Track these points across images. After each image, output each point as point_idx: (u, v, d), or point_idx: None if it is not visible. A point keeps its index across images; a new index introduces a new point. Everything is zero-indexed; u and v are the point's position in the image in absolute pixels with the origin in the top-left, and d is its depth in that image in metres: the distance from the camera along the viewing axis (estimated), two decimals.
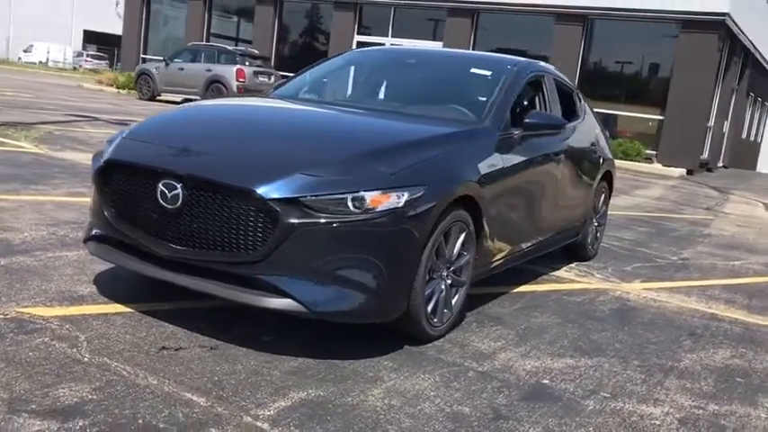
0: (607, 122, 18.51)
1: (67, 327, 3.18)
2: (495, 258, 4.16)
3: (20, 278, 3.72)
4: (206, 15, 25.27)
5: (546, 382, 3.22)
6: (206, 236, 3.11)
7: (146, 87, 21.00)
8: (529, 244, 4.65)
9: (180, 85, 20.00)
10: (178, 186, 3.11)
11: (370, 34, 21.79)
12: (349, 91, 4.99)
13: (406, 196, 3.14)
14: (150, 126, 3.75)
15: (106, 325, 3.26)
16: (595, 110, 6.04)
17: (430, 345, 3.49)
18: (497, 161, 3.93)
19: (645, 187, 13.11)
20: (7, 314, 3.23)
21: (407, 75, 4.89)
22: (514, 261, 4.49)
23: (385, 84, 4.83)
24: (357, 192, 3.04)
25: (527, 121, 4.22)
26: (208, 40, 24.64)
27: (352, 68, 5.11)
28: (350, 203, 3.03)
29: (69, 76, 36.11)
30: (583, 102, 5.79)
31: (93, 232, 3.55)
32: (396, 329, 3.43)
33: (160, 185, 3.15)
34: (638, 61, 18.89)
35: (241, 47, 22.96)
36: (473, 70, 4.70)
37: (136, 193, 3.29)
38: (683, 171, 16.89)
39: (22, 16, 54.54)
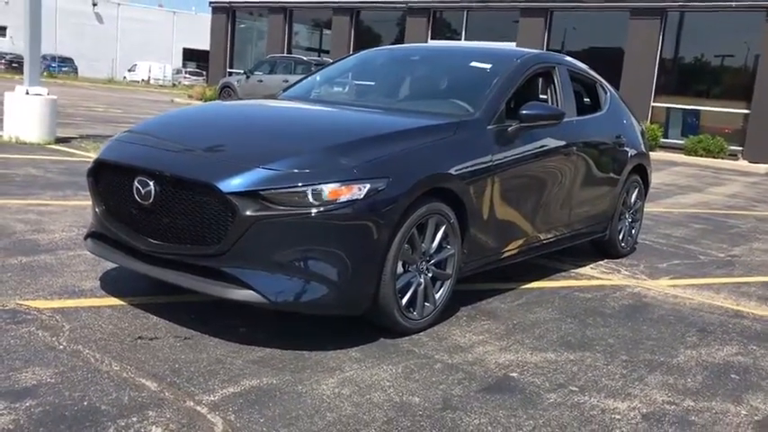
0: (689, 118, 17.73)
1: (57, 318, 3.39)
2: (504, 250, 4.11)
3: (33, 274, 3.98)
4: (286, 28, 26.01)
5: (514, 375, 3.16)
6: (176, 230, 3.24)
7: (228, 100, 21.81)
8: (546, 237, 4.55)
9: (260, 96, 20.64)
10: (150, 183, 3.26)
11: (443, 38, 21.78)
12: (349, 89, 5.05)
13: (367, 188, 3.16)
14: (139, 128, 3.94)
15: (94, 316, 3.45)
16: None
17: (407, 338, 3.48)
18: (485, 154, 3.87)
19: (721, 184, 12.44)
20: (6, 306, 3.47)
21: (409, 71, 4.90)
22: (528, 254, 4.41)
23: (385, 81, 4.87)
24: (315, 184, 3.09)
25: (523, 112, 4.14)
26: (289, 52, 25.35)
27: (359, 68, 5.18)
28: (309, 196, 3.08)
29: (168, 92, 37.95)
30: (609, 93, 5.60)
31: (91, 230, 3.76)
32: (371, 322, 3.45)
33: (136, 182, 3.31)
34: (721, 54, 17.97)
35: (317, 57, 23.46)
36: (473, 64, 4.65)
37: (118, 190, 3.47)
38: None
39: (126, 37, 57.92)
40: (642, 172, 5.84)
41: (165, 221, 3.27)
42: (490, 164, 3.88)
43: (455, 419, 2.70)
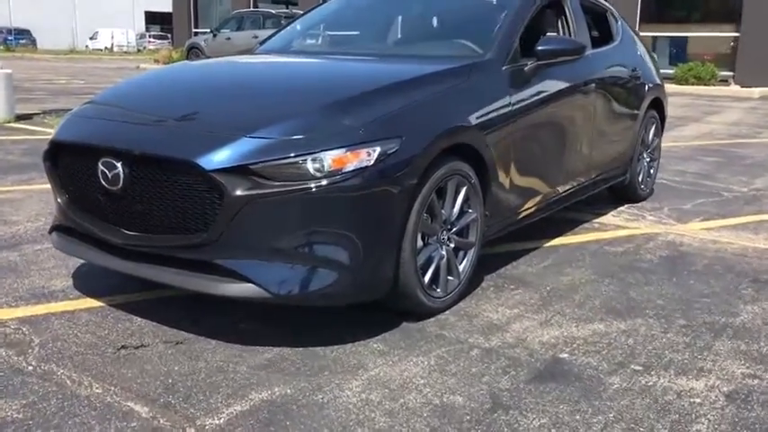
0: (676, 46, 17.20)
1: (25, 329, 2.88)
2: (523, 209, 3.63)
3: None
4: None
5: (564, 356, 2.71)
6: (154, 218, 2.73)
7: None
8: (565, 188, 4.08)
9: (229, 55, 19.78)
10: (118, 165, 2.73)
11: None
12: (336, 36, 4.48)
13: (377, 152, 2.65)
14: (100, 98, 3.38)
15: (68, 324, 2.95)
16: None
17: (433, 319, 3.03)
18: (504, 99, 3.37)
19: (719, 112, 12.01)
20: None
21: (402, 10, 4.33)
22: (548, 209, 3.94)
23: (377, 23, 4.30)
24: (315, 152, 2.58)
25: (539, 48, 3.62)
26: (255, 6, 24.34)
27: (345, 11, 4.59)
28: (309, 167, 2.57)
29: (133, 58, 36.67)
30: (620, 23, 5.07)
31: (56, 223, 3.23)
32: (390, 307, 2.98)
33: (100, 165, 2.78)
34: None
35: (286, 10, 22.52)
36: None
37: (82, 175, 2.94)
38: (764, 91, 15.47)
39: (84, 5, 55.81)
40: (659, 106, 5.36)
41: (140, 209, 2.75)
42: (509, 110, 3.38)
43: (510, 423, 2.25)
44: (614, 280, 3.57)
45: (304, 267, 2.62)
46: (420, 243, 2.92)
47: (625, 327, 2.99)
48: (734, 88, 15.57)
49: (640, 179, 5.20)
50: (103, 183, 2.79)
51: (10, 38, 43.97)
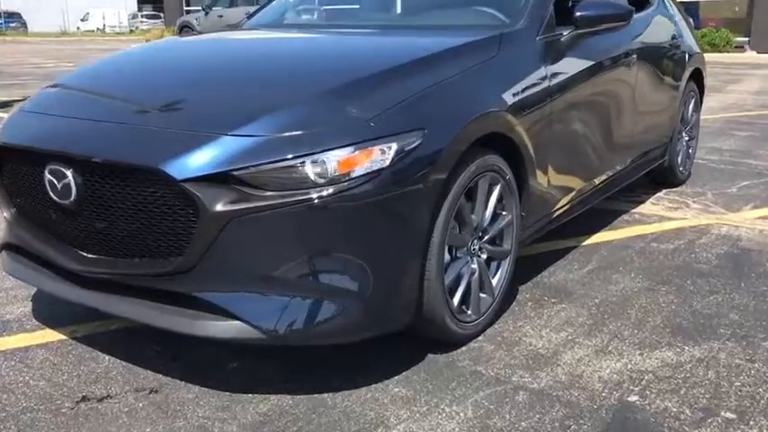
0: (688, 12, 16.50)
1: None
2: (557, 207, 3.07)
3: None
4: None
5: (634, 399, 2.17)
6: (117, 239, 2.18)
7: None
8: (602, 179, 3.51)
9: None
10: (68, 173, 2.17)
11: None
12: (335, 7, 3.88)
13: (394, 149, 2.09)
14: (56, 89, 2.80)
15: (20, 366, 2.41)
16: None
17: (464, 349, 2.48)
18: (540, 75, 2.80)
19: (739, 81, 11.38)
20: None
21: None
22: (585, 204, 3.38)
23: None
24: (316, 152, 2.01)
25: (579, 14, 3.04)
26: None
27: None
28: (308, 171, 2.01)
29: (125, 39, 35.82)
30: None
31: (5, 241, 2.67)
32: (410, 333, 2.44)
33: (46, 173, 2.22)
34: None
35: None
36: None
37: (29, 184, 2.38)
38: None
39: None
40: (699, 78, 4.77)
41: (100, 227, 2.20)
42: (547, 89, 2.81)
43: None
44: (672, 288, 3.02)
45: (304, 299, 2.06)
46: (447, 257, 2.37)
47: (700, 353, 2.45)
48: (750, 54, 14.91)
49: (679, 160, 4.63)
50: (52, 195, 2.23)
51: (0, 21, 43.07)
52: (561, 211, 3.15)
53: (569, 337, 2.57)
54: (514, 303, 2.86)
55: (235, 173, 1.99)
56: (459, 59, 2.53)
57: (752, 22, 15.46)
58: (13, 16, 46.34)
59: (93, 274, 2.27)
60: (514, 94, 2.60)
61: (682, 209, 4.21)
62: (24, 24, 46.64)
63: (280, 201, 1.99)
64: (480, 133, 2.37)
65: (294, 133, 2.05)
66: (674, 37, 4.33)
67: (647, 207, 4.24)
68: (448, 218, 2.28)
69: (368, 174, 2.04)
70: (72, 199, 2.19)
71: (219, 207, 1.97)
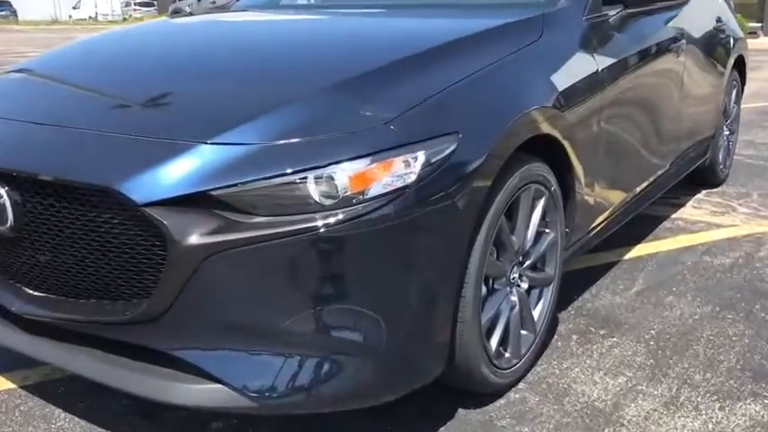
0: None
1: None
2: (601, 220, 2.60)
3: None
4: None
5: None
6: (68, 275, 1.70)
7: None
8: (645, 185, 3.02)
9: None
10: (2, 192, 1.69)
11: None
12: None
13: (421, 160, 1.61)
14: (7, 81, 2.30)
15: None
16: None
17: (502, 401, 2.02)
18: (588, 63, 2.32)
19: (759, 68, 10.83)
20: None
21: None
22: (626, 215, 2.91)
23: None
24: (321, 166, 1.54)
25: None
26: None
27: None
28: (311, 191, 1.53)
29: (119, 27, 35.14)
30: None
31: None
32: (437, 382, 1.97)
33: None
34: None
35: None
36: None
37: None
38: None
39: None
40: (741, 66, 4.29)
41: (46, 260, 1.73)
42: (597, 79, 2.33)
43: None
44: (740, 315, 2.56)
45: (307, 358, 1.59)
46: (483, 290, 1.90)
47: None
48: (763, 40, 14.41)
49: (721, 158, 4.16)
50: None
51: None
52: (605, 223, 2.68)
53: (629, 384, 2.10)
54: (556, 336, 2.40)
55: (214, 193, 1.52)
56: (496, 45, 2.04)
57: (765, 7, 14.96)
58: (3, 4, 45.59)
59: (39, 317, 1.79)
60: (562, 87, 2.12)
61: (728, 214, 3.74)
62: (15, 13, 45.86)
63: (274, 230, 1.51)
64: (526, 136, 1.90)
65: (293, 141, 1.57)
66: (719, 20, 3.85)
67: (689, 212, 3.77)
68: (487, 243, 1.81)
69: (388, 193, 1.56)
70: (8, 225, 1.71)
71: (194, 239, 1.50)
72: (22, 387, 2.14)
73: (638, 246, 3.24)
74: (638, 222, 3.49)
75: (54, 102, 1.99)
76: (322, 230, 1.52)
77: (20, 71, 2.39)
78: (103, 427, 1.93)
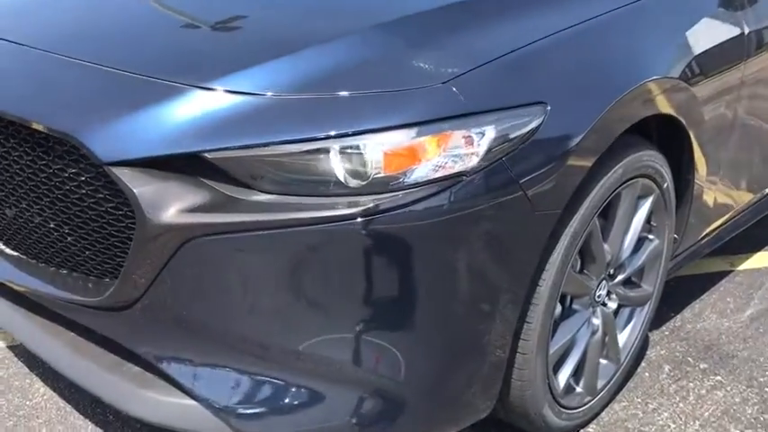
0: None
1: None
2: (719, 223, 2.08)
3: None
4: None
5: None
6: (34, 235, 1.37)
7: None
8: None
9: None
10: None
11: None
12: None
13: (490, 136, 1.17)
14: None
15: None
16: None
17: None
18: (731, 23, 1.78)
19: None
20: None
21: None
22: (748, 221, 2.35)
23: None
24: (349, 134, 1.12)
25: None
26: None
27: None
28: (333, 167, 1.12)
29: None
30: None
31: None
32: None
33: None
34: None
35: None
36: None
37: None
38: None
39: None
40: None
41: (11, 214, 1.40)
42: (740, 44, 1.79)
43: None
44: None
45: (313, 389, 1.20)
46: (557, 310, 1.46)
47: None
48: None
49: None
50: None
51: None
52: (721, 229, 2.15)
53: None
54: (644, 364, 1.93)
55: (208, 156, 1.13)
56: None
57: None
58: None
59: (13, 283, 1.47)
60: (695, 52, 1.61)
61: None
62: None
63: (278, 215, 1.12)
64: (640, 115, 1.42)
65: (313, 96, 1.16)
66: None
67: None
68: (569, 253, 1.36)
69: (439, 179, 1.14)
70: None
71: (170, 215, 1.13)
72: (9, 347, 1.87)
73: (758, 254, 2.67)
74: (760, 224, 2.91)
75: (25, 21, 1.62)
76: (344, 224, 1.11)
77: None
78: (77, 409, 1.63)
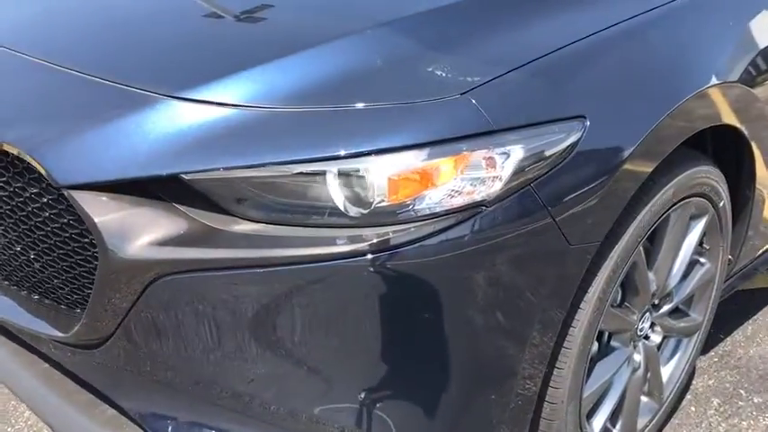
0: None
1: None
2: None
3: None
4: None
5: None
6: (5, 257, 1.23)
7: None
8: None
9: None
10: None
11: None
12: None
13: (516, 158, 0.97)
14: None
15: None
16: None
17: None
18: None
19: None
20: None
21: None
22: None
23: None
24: (350, 155, 0.94)
25: None
26: None
27: None
28: (330, 192, 0.95)
29: None
30: None
31: None
32: None
33: None
34: None
35: None
36: None
37: None
38: None
39: None
40: None
41: None
42: None
43: None
44: None
45: None
46: (594, 348, 1.28)
47: None
48: None
49: None
50: None
51: None
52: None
53: None
54: (689, 396, 1.73)
55: (185, 177, 0.96)
56: None
57: None
58: None
59: None
60: (757, 52, 1.39)
61: None
62: None
63: (263, 252, 0.95)
64: (696, 128, 1.21)
65: (308, 109, 0.98)
66: None
67: None
68: (608, 288, 1.17)
69: (455, 209, 0.95)
70: None
71: (138, 248, 0.96)
72: None
73: None
74: None
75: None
76: (342, 262, 0.94)
77: None
78: None
